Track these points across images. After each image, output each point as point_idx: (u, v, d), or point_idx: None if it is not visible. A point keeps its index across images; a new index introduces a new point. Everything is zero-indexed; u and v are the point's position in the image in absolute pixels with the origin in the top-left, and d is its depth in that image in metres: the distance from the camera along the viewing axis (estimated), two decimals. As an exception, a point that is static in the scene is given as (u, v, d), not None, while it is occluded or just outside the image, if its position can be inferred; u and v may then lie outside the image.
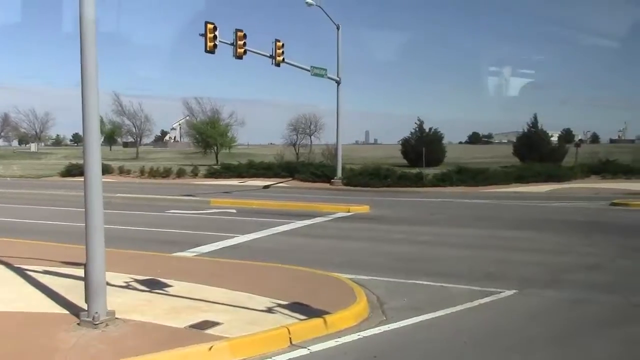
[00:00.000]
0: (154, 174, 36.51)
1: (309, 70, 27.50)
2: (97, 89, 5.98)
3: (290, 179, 32.63)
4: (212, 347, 5.42)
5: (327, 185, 29.85)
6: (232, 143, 66.57)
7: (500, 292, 7.80)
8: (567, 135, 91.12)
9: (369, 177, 29.28)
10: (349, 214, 17.61)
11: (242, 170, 34.87)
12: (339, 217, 16.79)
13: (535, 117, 48.05)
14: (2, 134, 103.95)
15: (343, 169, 31.00)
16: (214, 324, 6.10)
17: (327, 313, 6.45)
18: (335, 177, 30.17)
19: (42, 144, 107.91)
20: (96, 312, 5.99)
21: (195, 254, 10.71)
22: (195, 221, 15.80)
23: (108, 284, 6.34)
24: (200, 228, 14.15)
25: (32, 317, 6.30)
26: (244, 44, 23.15)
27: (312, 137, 70.60)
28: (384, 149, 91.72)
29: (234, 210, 18.00)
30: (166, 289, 7.59)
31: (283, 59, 25.56)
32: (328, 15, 28.48)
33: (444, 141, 54.35)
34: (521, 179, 28.48)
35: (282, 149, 53.73)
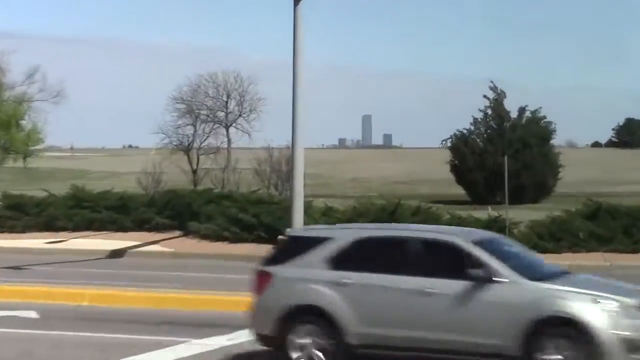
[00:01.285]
0: None
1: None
2: None
3: (178, 233, 32.82)
4: None
5: (268, 248, 29.42)
6: (33, 145, 65.48)
7: None
8: None
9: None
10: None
11: (58, 213, 34.60)
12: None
13: None
14: None
15: (309, 209, 29.84)
16: None
17: None
18: (289, 230, 29.52)
19: None
20: None
21: None
22: None
23: None
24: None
25: None
26: None
27: (233, 128, 70.54)
28: (406, 159, 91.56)
29: (34, 314, 18.55)
30: None
31: None
32: None
33: (555, 141, 54.11)
34: None
35: (157, 160, 52.98)
